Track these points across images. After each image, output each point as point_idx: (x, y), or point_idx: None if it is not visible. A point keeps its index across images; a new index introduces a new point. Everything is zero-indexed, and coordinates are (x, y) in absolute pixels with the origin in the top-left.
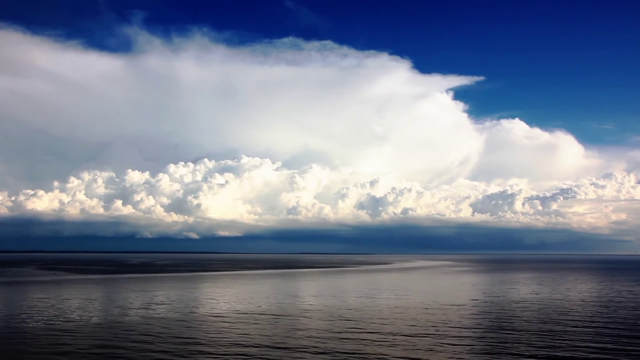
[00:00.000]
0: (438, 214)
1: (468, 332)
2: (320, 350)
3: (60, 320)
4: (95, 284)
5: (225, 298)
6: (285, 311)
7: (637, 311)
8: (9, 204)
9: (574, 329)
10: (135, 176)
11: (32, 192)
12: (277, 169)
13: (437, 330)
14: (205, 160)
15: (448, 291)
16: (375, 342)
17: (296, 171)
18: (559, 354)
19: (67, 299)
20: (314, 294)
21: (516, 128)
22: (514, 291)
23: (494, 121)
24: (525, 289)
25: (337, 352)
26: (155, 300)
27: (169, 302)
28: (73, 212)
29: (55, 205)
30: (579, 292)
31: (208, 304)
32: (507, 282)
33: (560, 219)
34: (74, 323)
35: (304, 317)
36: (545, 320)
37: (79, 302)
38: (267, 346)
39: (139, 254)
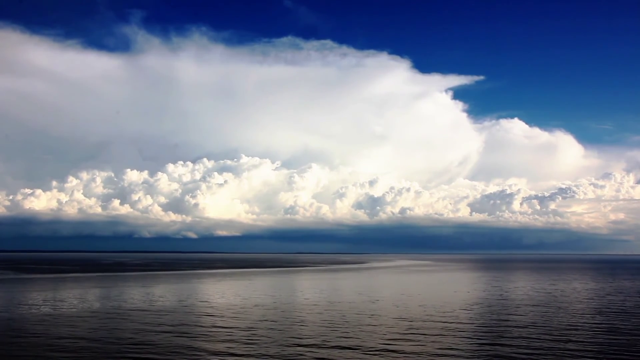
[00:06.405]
0: (436, 213)
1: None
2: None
3: None
4: (31, 283)
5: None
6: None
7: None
8: (7, 203)
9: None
10: (133, 175)
11: (30, 192)
12: (276, 169)
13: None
14: (205, 160)
15: (365, 290)
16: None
17: (295, 171)
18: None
19: None
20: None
21: (515, 128)
22: (439, 289)
23: (493, 121)
24: (449, 288)
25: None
26: (63, 297)
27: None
28: (71, 211)
29: (53, 204)
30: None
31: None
32: (448, 281)
33: (558, 219)
34: None
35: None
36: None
37: None
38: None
39: (128, 254)
